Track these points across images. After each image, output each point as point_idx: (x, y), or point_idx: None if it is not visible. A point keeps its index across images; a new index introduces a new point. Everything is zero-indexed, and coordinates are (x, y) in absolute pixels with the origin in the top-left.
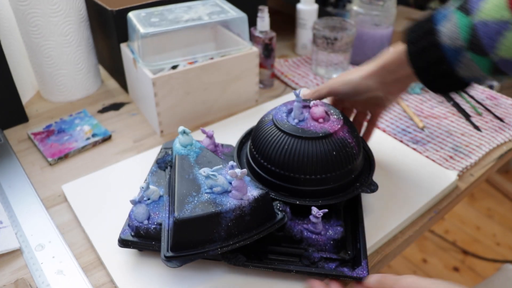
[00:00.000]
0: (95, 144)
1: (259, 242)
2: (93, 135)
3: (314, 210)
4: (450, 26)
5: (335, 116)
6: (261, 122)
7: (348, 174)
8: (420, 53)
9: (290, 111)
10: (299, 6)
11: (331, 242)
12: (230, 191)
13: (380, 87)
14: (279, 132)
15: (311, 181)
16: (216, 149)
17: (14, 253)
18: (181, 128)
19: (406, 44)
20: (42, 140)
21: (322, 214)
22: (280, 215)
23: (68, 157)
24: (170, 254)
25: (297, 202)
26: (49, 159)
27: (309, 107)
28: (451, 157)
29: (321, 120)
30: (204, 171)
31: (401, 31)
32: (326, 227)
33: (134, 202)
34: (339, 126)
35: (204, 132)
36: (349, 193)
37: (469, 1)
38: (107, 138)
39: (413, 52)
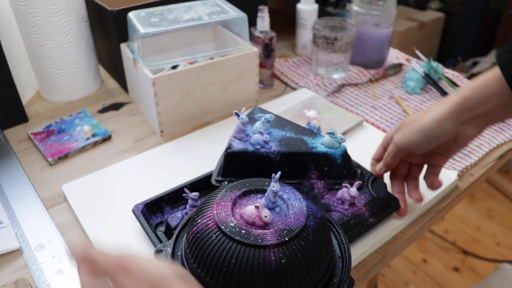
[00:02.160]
0: (95, 144)
1: None
2: (93, 135)
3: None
4: None
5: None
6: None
7: None
8: None
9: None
10: (299, 6)
11: None
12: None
13: (455, 128)
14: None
15: None
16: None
17: (14, 253)
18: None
19: (502, 66)
20: (42, 140)
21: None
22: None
23: (68, 157)
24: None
25: None
26: (49, 159)
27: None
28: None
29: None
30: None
31: (497, 54)
32: None
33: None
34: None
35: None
36: None
37: None
38: (107, 138)
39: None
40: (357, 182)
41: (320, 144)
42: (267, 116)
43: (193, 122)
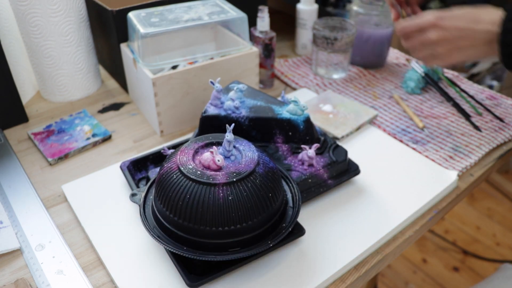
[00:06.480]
0: (95, 144)
1: None
2: (93, 135)
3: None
4: None
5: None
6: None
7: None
8: None
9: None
10: (299, 6)
11: None
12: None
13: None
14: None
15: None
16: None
17: (14, 253)
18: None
19: (504, 17)
20: (42, 140)
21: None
22: None
23: (68, 157)
24: None
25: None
26: (49, 159)
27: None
28: (451, 157)
29: (213, 166)
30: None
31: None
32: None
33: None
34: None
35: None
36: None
37: None
38: (107, 138)
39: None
40: (315, 145)
41: (285, 112)
42: (240, 86)
43: (193, 122)
